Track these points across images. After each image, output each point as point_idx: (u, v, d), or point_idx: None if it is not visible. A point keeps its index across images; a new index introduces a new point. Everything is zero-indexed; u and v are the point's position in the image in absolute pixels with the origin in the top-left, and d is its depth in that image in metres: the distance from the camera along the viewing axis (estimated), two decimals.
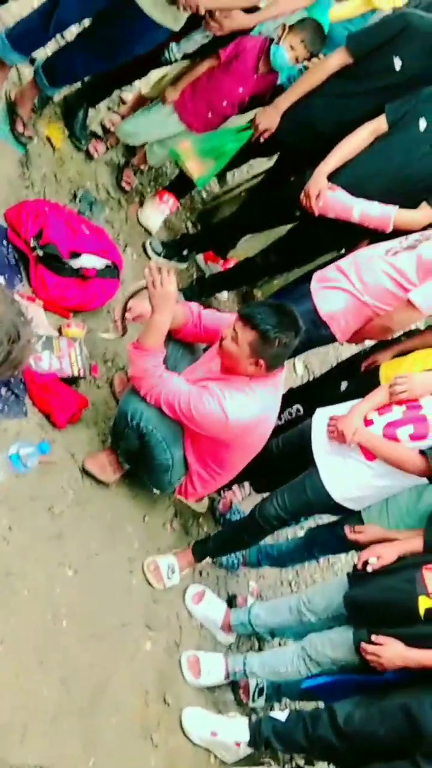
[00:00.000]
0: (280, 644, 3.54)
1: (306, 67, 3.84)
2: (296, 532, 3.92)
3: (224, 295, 4.48)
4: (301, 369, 5.02)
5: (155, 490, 3.21)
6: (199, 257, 4.45)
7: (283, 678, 3.13)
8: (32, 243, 3.18)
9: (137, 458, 3.09)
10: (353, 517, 3.12)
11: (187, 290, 4.08)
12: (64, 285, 3.27)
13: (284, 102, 3.66)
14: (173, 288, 2.80)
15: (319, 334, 3.37)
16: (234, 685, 3.27)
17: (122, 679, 2.83)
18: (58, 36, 3.35)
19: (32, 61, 3.51)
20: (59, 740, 2.49)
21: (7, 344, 1.72)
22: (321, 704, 3.05)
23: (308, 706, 3.15)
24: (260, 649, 3.51)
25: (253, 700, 3.26)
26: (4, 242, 3.19)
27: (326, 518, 3.43)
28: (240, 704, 3.26)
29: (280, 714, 2.95)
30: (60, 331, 3.26)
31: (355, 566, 2.98)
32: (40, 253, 3.17)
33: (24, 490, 2.76)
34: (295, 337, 2.76)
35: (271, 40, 3.66)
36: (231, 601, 3.51)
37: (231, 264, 4.34)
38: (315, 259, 3.90)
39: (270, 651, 3.36)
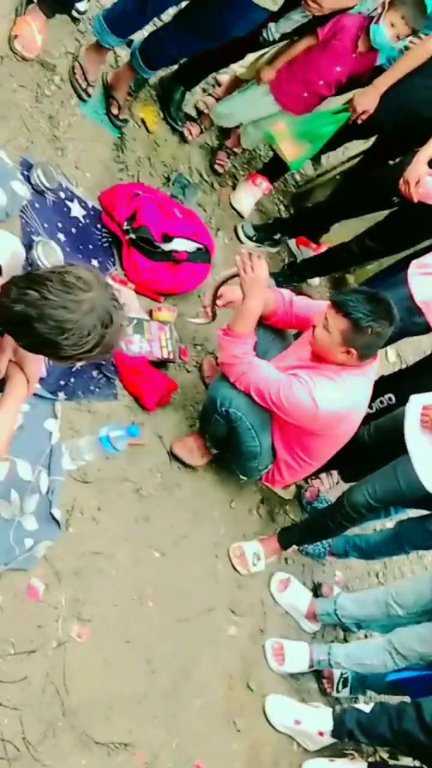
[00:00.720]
0: (366, 636, 3.49)
1: (407, 47, 3.72)
2: (385, 524, 3.85)
3: (316, 280, 4.42)
4: (393, 357, 4.91)
5: (242, 477, 3.20)
6: (291, 242, 4.39)
7: (369, 670, 3.09)
8: (125, 226, 3.19)
9: (225, 444, 3.09)
10: None
11: (278, 275, 4.04)
12: (156, 268, 3.28)
13: (384, 83, 3.57)
14: (264, 274, 2.77)
15: (413, 322, 3.28)
16: (318, 675, 3.24)
17: (206, 662, 2.85)
18: (155, 18, 3.34)
19: (129, 44, 3.51)
20: (144, 720, 2.52)
21: (100, 328, 1.73)
22: (407, 699, 2.99)
23: (393, 699, 3.09)
24: (345, 639, 3.47)
25: (337, 691, 3.23)
26: (98, 225, 3.22)
27: (417, 512, 3.35)
28: (323, 694, 3.23)
29: (364, 706, 2.92)
30: (151, 314, 3.28)
31: None
32: (133, 236, 3.19)
33: (113, 471, 2.80)
34: (389, 326, 2.70)
35: (371, 18, 3.55)
36: (316, 590, 3.48)
37: (323, 249, 4.27)
38: (413, 246, 3.78)
39: (356, 642, 3.32)
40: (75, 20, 3.45)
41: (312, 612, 3.29)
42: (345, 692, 3.25)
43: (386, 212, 3.73)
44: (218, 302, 3.06)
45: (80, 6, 3.42)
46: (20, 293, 1.68)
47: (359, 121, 3.65)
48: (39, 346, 1.74)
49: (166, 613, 2.77)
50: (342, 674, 3.24)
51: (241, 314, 2.82)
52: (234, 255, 3.76)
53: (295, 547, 3.39)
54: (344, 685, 3.24)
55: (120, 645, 2.56)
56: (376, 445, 3.25)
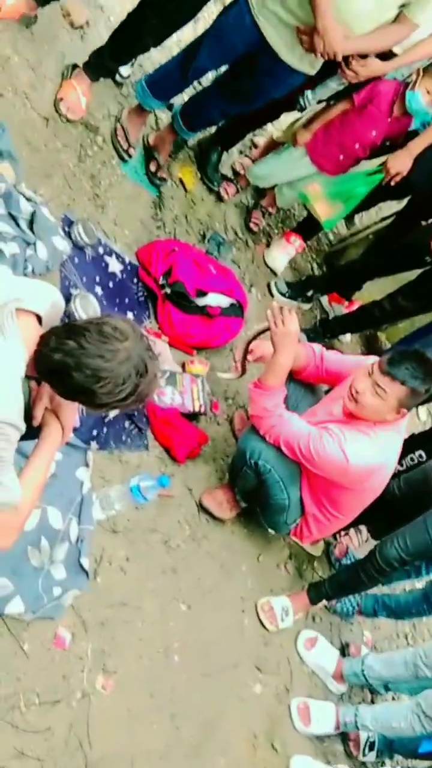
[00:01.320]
0: (393, 698, 3.42)
1: None
2: (415, 584, 3.80)
3: (348, 337, 4.45)
4: (424, 416, 4.91)
5: (271, 531, 3.19)
6: (324, 299, 4.45)
7: (396, 734, 3.02)
8: (161, 281, 3.27)
9: (254, 497, 3.09)
10: None
11: (310, 331, 4.09)
12: (190, 322, 3.34)
13: (418, 146, 3.64)
14: (295, 327, 2.80)
15: None
16: (344, 737, 3.18)
17: (231, 720, 2.81)
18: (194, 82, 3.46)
19: (169, 107, 3.64)
20: None
21: (135, 377, 1.76)
22: None
23: (421, 764, 3.02)
24: (372, 701, 3.40)
25: (364, 754, 3.15)
26: (135, 280, 3.30)
27: None
28: (349, 757, 3.16)
29: None
30: (183, 367, 3.32)
31: None
32: (168, 291, 3.26)
33: (142, 522, 2.81)
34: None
35: (407, 84, 3.65)
36: (344, 650, 3.43)
37: (355, 306, 4.31)
38: None
39: (383, 704, 3.25)
40: (118, 84, 3.59)
41: (339, 672, 3.24)
42: (371, 756, 3.18)
43: (419, 271, 3.77)
44: (249, 357, 3.10)
45: (123, 71, 3.56)
46: (59, 343, 1.73)
47: (392, 183, 3.72)
48: (75, 394, 1.78)
49: (192, 667, 2.75)
50: (368, 737, 3.17)
51: (272, 368, 2.86)
52: (266, 311, 3.84)
53: (323, 604, 3.35)
54: (371, 749, 3.17)
55: (144, 698, 2.54)
56: (406, 498, 3.25)
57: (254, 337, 3.04)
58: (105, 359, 1.71)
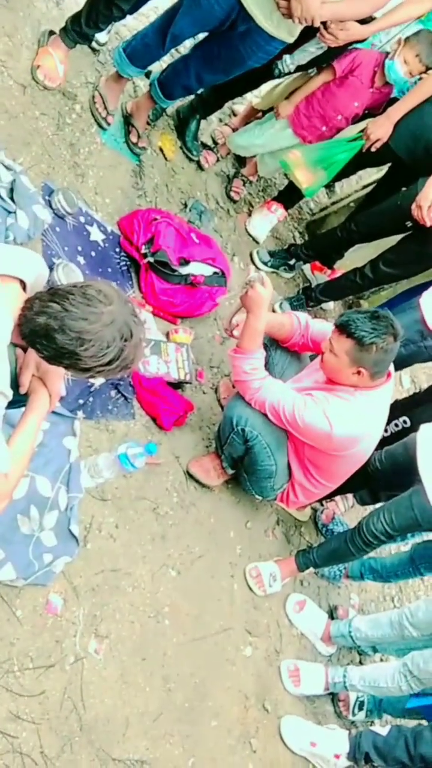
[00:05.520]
0: (381, 659, 3.48)
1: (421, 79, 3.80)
2: (400, 547, 3.85)
3: (330, 305, 4.46)
4: (407, 383, 4.94)
5: (258, 497, 3.22)
6: (306, 267, 4.45)
7: (384, 694, 3.07)
8: (143, 250, 3.25)
9: (241, 464, 3.11)
10: None
11: (293, 300, 4.09)
12: (173, 291, 3.34)
13: (397, 112, 3.63)
14: (265, 292, 2.80)
15: (426, 346, 3.31)
16: (333, 697, 3.23)
17: (222, 682, 2.85)
18: (173, 50, 3.43)
19: (147, 74, 3.60)
20: (160, 738, 2.53)
21: (120, 341, 1.77)
22: (423, 722, 2.98)
23: (410, 723, 3.07)
24: (361, 663, 3.46)
25: (353, 714, 3.21)
26: (117, 249, 3.29)
27: None
28: (339, 717, 3.22)
29: (381, 729, 2.91)
30: (168, 336, 3.33)
31: None
32: (151, 259, 3.25)
33: (130, 489, 2.83)
34: (394, 341, 2.70)
35: (387, 54, 3.63)
36: (332, 613, 3.48)
37: (338, 274, 4.32)
38: (426, 269, 3.83)
39: (371, 666, 3.31)
40: (95, 51, 3.55)
41: (328, 634, 3.29)
42: (360, 716, 3.24)
43: (399, 237, 3.77)
44: (234, 332, 3.11)
45: (100, 38, 3.52)
46: (43, 306, 1.73)
47: (373, 149, 3.71)
48: (59, 358, 1.78)
49: (183, 631, 2.79)
50: (358, 697, 3.23)
51: (246, 331, 2.88)
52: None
53: (311, 569, 3.39)
54: (360, 709, 3.23)
55: (137, 662, 2.58)
56: (387, 471, 3.27)
57: (236, 311, 3.06)
58: (89, 321, 1.71)
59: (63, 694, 2.30)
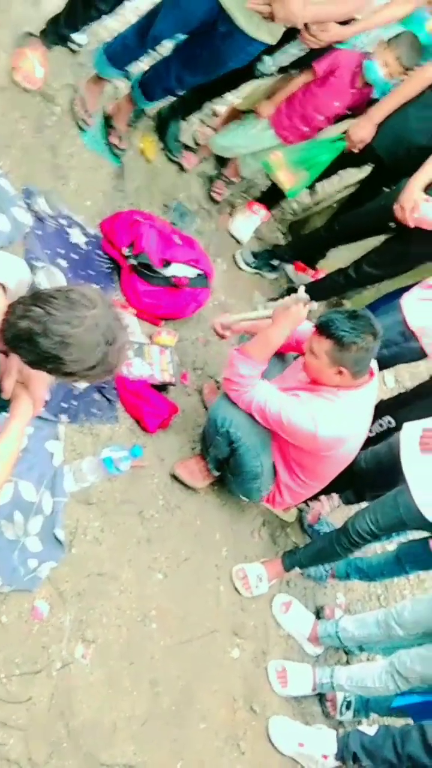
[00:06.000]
0: (368, 659, 3.48)
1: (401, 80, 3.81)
2: (386, 546, 3.86)
3: (314, 305, 4.44)
4: (391, 382, 4.95)
5: (243, 498, 3.21)
6: (289, 267, 4.44)
7: (371, 693, 3.07)
8: (126, 252, 3.25)
9: (226, 465, 3.10)
10: None
11: (277, 301, 4.08)
12: (156, 293, 3.33)
13: (378, 113, 3.63)
14: (302, 318, 2.84)
15: (408, 347, 3.32)
16: (321, 698, 3.23)
17: (210, 685, 2.85)
18: (153, 51, 3.42)
19: (128, 76, 3.59)
20: (148, 742, 2.52)
21: (103, 345, 1.76)
22: (411, 721, 2.99)
23: (397, 722, 3.08)
24: (348, 663, 3.46)
25: (341, 714, 3.21)
26: (99, 252, 3.28)
27: (418, 534, 3.36)
28: (327, 717, 3.21)
29: (368, 729, 2.90)
30: (151, 338, 3.32)
31: None
32: (133, 262, 3.24)
33: (115, 493, 2.82)
34: (373, 340, 2.71)
35: (367, 55, 3.64)
36: (318, 613, 3.48)
37: (321, 274, 4.32)
38: (409, 270, 3.83)
39: (358, 665, 3.30)
40: (74, 53, 3.54)
41: (315, 634, 3.28)
42: (348, 715, 3.24)
43: (383, 237, 3.78)
44: (226, 332, 3.11)
45: (79, 39, 3.51)
46: (25, 310, 1.71)
47: (355, 151, 3.72)
48: (42, 362, 1.77)
49: (170, 634, 2.78)
50: (345, 697, 3.23)
51: (260, 339, 2.88)
52: (233, 281, 3.85)
53: (297, 570, 3.39)
54: (347, 708, 3.23)
55: (124, 666, 2.57)
56: (372, 471, 3.27)
57: (249, 319, 3.10)
58: (72, 326, 1.70)
59: (50, 700, 2.29)
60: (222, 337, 3.19)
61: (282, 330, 2.86)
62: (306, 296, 2.86)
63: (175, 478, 3.11)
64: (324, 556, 3.34)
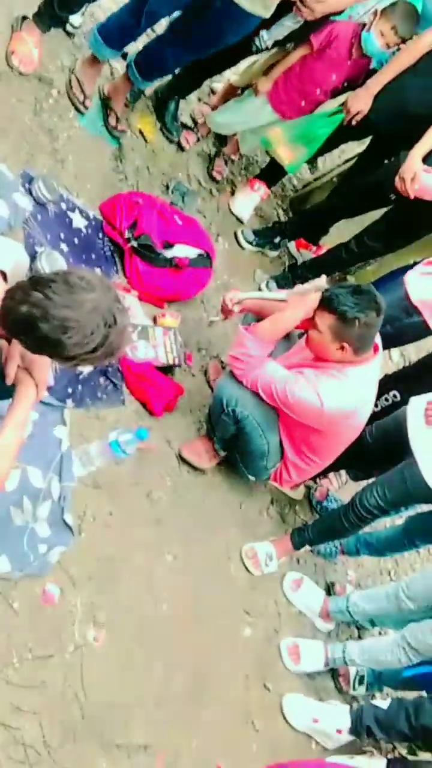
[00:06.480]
0: (380, 633, 3.50)
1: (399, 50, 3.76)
2: (394, 521, 3.86)
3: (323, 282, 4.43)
4: (396, 357, 4.93)
5: (251, 477, 3.22)
6: (291, 244, 4.42)
7: (383, 667, 3.09)
8: (127, 234, 3.23)
9: (233, 445, 3.11)
10: None
11: (279, 278, 4.07)
12: (158, 275, 3.32)
13: (376, 84, 3.60)
14: (314, 305, 2.80)
15: (411, 322, 3.31)
16: (334, 673, 3.25)
17: (223, 664, 2.87)
18: (148, 29, 3.38)
19: (124, 56, 3.56)
20: (163, 722, 2.54)
21: (104, 327, 1.74)
22: (424, 694, 3.00)
23: (410, 695, 3.10)
24: (360, 637, 3.47)
25: (354, 689, 3.23)
26: (100, 235, 3.26)
27: (426, 507, 3.36)
28: (340, 692, 3.24)
29: (381, 702, 2.93)
30: (155, 320, 3.31)
31: None
32: (135, 244, 3.23)
33: (123, 476, 2.82)
34: (376, 315, 2.69)
35: (363, 26, 3.59)
36: (329, 589, 3.49)
37: (323, 250, 4.30)
38: (411, 242, 3.81)
39: (370, 639, 3.33)
40: (70, 35, 3.50)
41: (326, 610, 3.30)
42: (361, 690, 3.26)
43: (383, 211, 3.75)
44: (236, 308, 3.11)
45: (75, 21, 3.47)
46: (25, 295, 1.70)
47: (353, 123, 3.69)
48: (43, 347, 1.76)
49: (181, 615, 2.79)
50: (358, 672, 3.25)
51: (274, 321, 2.89)
52: (235, 260, 3.83)
53: (307, 547, 3.40)
54: (360, 683, 3.25)
55: (136, 648, 2.58)
56: (378, 445, 3.27)
57: (262, 299, 3.09)
58: (72, 309, 1.69)
59: (63, 683, 2.31)
60: (228, 313, 3.16)
61: (296, 315, 2.87)
62: (325, 284, 2.84)
63: (182, 459, 3.11)
64: (333, 532, 3.35)
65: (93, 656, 2.42)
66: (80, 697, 2.33)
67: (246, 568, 3.17)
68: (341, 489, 3.75)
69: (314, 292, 2.83)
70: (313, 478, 3.55)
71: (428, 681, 3.00)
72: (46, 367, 2.01)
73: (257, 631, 3.07)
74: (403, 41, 3.55)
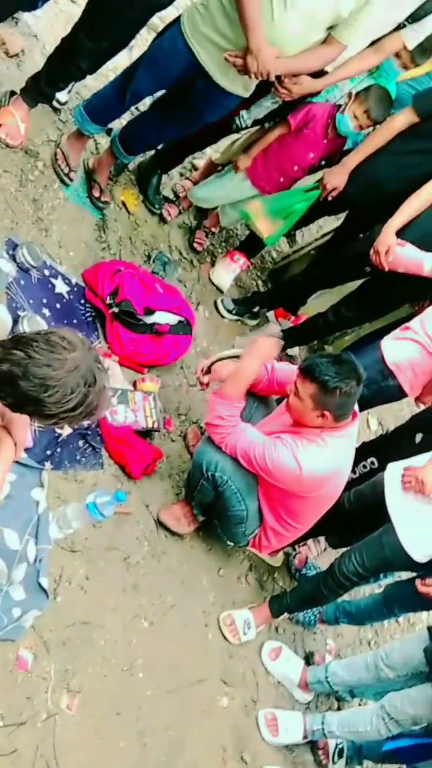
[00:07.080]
0: (360, 704, 3.44)
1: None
2: (374, 589, 3.84)
3: (295, 350, 4.51)
4: (374, 425, 4.98)
5: (230, 543, 3.20)
6: (270, 314, 4.50)
7: (363, 738, 3.04)
8: (108, 300, 3.29)
9: (211, 510, 3.10)
10: None
11: None
12: (139, 341, 3.37)
13: (351, 161, 3.73)
14: (273, 352, 2.88)
15: (386, 386, 3.35)
16: (313, 745, 3.18)
17: (199, 735, 2.80)
18: (132, 107, 3.51)
19: (108, 132, 3.68)
20: None
21: (84, 387, 1.78)
22: (404, 767, 2.94)
23: None
24: (339, 709, 3.41)
25: (333, 762, 3.16)
26: (82, 301, 3.31)
27: (405, 574, 3.35)
28: (319, 765, 3.17)
29: None
30: (135, 385, 3.34)
31: None
32: (116, 309, 3.28)
33: (100, 540, 2.81)
34: (357, 384, 2.74)
35: (339, 107, 3.76)
36: (308, 659, 3.44)
37: (302, 320, 4.38)
38: (386, 313, 3.90)
39: (349, 710, 3.27)
40: (56, 110, 3.63)
41: (304, 681, 3.25)
42: (341, 764, 3.19)
43: (360, 282, 3.85)
44: (205, 378, 3.15)
45: (61, 97, 3.60)
46: (6, 353, 1.74)
47: (330, 198, 3.81)
48: (23, 405, 1.78)
49: (157, 683, 2.74)
50: (337, 744, 3.18)
51: (235, 377, 2.92)
52: (215, 328, 3.90)
53: (285, 615, 3.37)
54: (340, 756, 3.18)
55: (110, 717, 2.52)
56: (356, 511, 3.28)
57: (222, 359, 3.12)
58: (53, 368, 1.72)
59: (35, 752, 2.25)
60: (204, 385, 3.21)
61: (252, 363, 2.92)
62: (276, 329, 2.90)
63: (160, 523, 3.10)
64: (312, 599, 3.33)
65: (66, 724, 2.37)
66: (52, 766, 2.26)
67: (224, 635, 3.13)
68: (320, 556, 3.74)
69: (266, 337, 2.88)
70: (292, 545, 3.54)
71: (408, 755, 2.95)
72: (25, 427, 2.03)
73: (235, 701, 3.02)
74: (375, 124, 3.70)
